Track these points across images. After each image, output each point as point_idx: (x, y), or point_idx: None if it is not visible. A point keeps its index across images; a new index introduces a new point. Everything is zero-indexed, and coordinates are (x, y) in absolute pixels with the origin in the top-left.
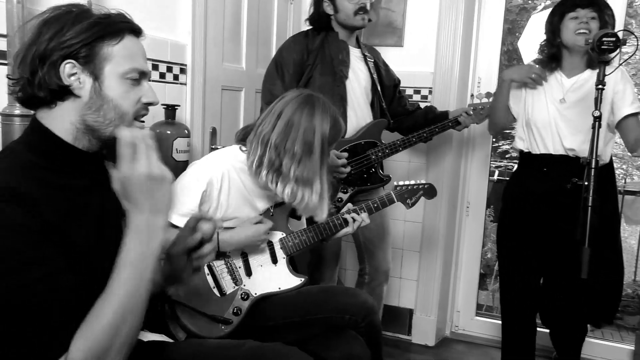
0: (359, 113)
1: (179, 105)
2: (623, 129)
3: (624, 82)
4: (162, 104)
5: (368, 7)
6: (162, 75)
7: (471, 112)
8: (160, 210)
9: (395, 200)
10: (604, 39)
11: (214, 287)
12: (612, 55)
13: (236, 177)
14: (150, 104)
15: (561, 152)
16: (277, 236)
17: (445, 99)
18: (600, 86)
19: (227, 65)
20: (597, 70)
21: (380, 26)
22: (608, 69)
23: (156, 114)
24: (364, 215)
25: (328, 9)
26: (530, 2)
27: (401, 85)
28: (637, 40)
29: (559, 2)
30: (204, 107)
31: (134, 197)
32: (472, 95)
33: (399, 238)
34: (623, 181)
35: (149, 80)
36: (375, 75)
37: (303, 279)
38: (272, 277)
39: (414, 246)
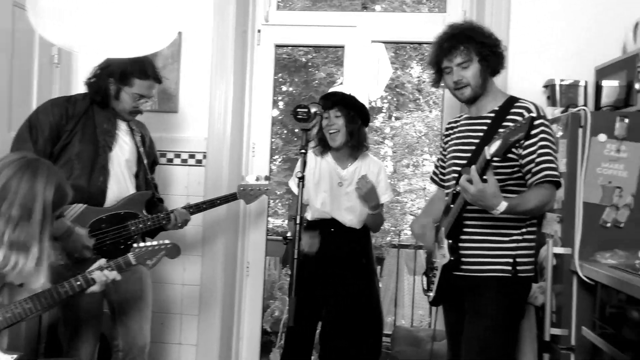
0: (122, 184)
1: None
2: None
3: (381, 172)
4: None
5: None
6: None
7: (182, 212)
8: None
9: (133, 262)
10: (298, 109)
11: None
12: (310, 124)
13: None
14: None
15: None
16: None
17: (219, 162)
18: (303, 151)
19: None
20: (363, 160)
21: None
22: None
23: None
24: (114, 273)
25: (111, 87)
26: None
27: (177, 149)
28: (318, 115)
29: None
30: None
31: None
32: (242, 177)
33: (177, 302)
34: (397, 237)
35: None
36: (141, 149)
37: (15, 356)
38: None
39: (193, 310)
